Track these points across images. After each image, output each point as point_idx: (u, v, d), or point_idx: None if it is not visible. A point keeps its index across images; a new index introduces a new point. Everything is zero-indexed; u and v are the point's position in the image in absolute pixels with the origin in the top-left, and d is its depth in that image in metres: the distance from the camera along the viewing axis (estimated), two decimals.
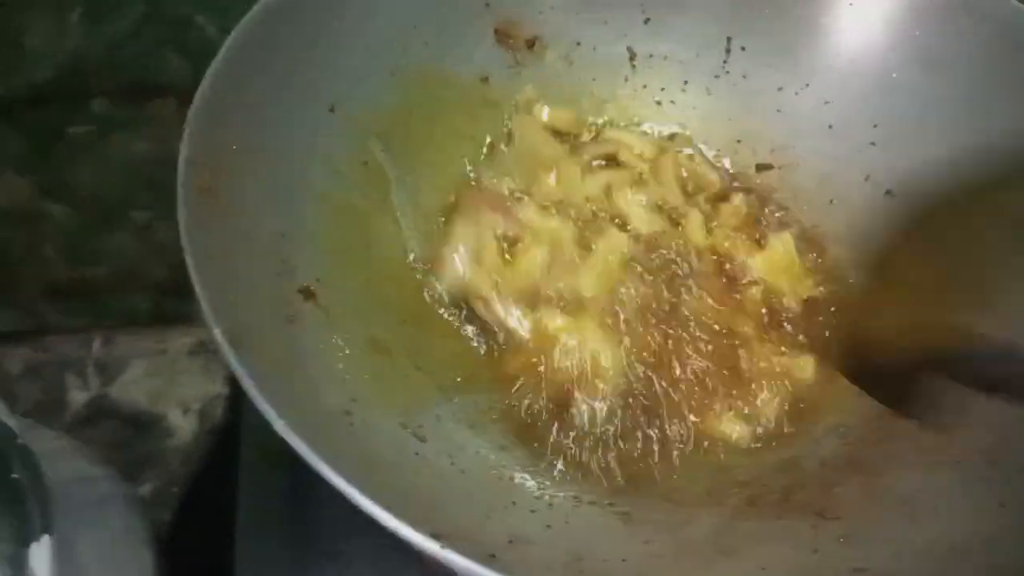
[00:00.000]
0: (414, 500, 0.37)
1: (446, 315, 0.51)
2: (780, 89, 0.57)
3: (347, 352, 0.43)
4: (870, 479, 0.45)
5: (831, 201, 0.56)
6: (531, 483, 0.44)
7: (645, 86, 0.59)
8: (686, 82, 0.59)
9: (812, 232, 0.56)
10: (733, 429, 0.48)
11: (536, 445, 0.46)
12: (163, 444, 0.74)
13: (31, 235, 0.71)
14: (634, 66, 0.59)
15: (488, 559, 0.34)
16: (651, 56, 0.58)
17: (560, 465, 0.46)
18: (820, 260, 0.56)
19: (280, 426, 0.31)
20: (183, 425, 0.75)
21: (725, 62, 0.58)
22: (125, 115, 0.65)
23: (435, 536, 0.30)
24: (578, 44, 0.58)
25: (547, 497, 0.43)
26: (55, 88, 0.62)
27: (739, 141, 0.59)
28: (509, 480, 0.43)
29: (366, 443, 0.38)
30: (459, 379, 0.48)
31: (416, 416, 0.44)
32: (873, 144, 0.55)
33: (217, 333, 0.33)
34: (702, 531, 0.41)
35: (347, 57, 0.49)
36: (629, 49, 0.58)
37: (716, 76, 0.58)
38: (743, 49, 0.57)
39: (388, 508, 0.30)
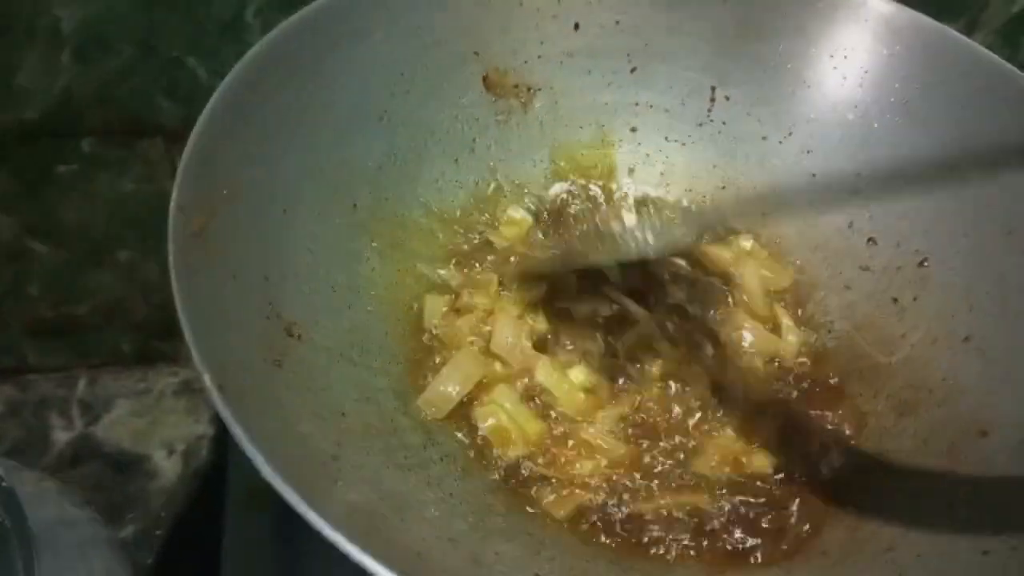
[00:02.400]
0: (402, 547, 0.36)
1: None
2: (764, 138, 0.58)
3: (334, 395, 0.43)
4: (856, 524, 0.45)
5: (815, 248, 0.57)
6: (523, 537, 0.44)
7: (633, 130, 0.60)
8: (671, 129, 0.60)
9: (796, 279, 0.57)
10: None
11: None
12: (147, 485, 0.73)
13: (15, 274, 0.71)
14: (620, 114, 0.59)
15: None
16: (637, 104, 0.59)
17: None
18: (802, 310, 0.56)
19: (268, 473, 0.31)
20: (167, 466, 0.75)
21: (710, 111, 0.59)
22: (113, 154, 0.65)
23: None
24: (566, 93, 0.58)
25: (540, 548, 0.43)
26: (44, 126, 0.63)
27: (723, 188, 0.59)
28: (499, 527, 0.43)
29: (353, 488, 0.38)
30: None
31: (403, 460, 0.43)
32: (855, 192, 0.56)
33: (207, 378, 0.33)
34: None
35: (335, 103, 0.49)
36: (615, 97, 0.59)
37: (700, 124, 0.59)
38: (727, 98, 0.58)
39: (377, 558, 0.30)
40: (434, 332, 0.52)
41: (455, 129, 0.56)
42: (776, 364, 0.54)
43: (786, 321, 0.55)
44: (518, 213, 0.58)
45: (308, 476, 0.36)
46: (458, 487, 0.44)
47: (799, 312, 0.56)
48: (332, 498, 0.36)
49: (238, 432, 0.31)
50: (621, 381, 0.51)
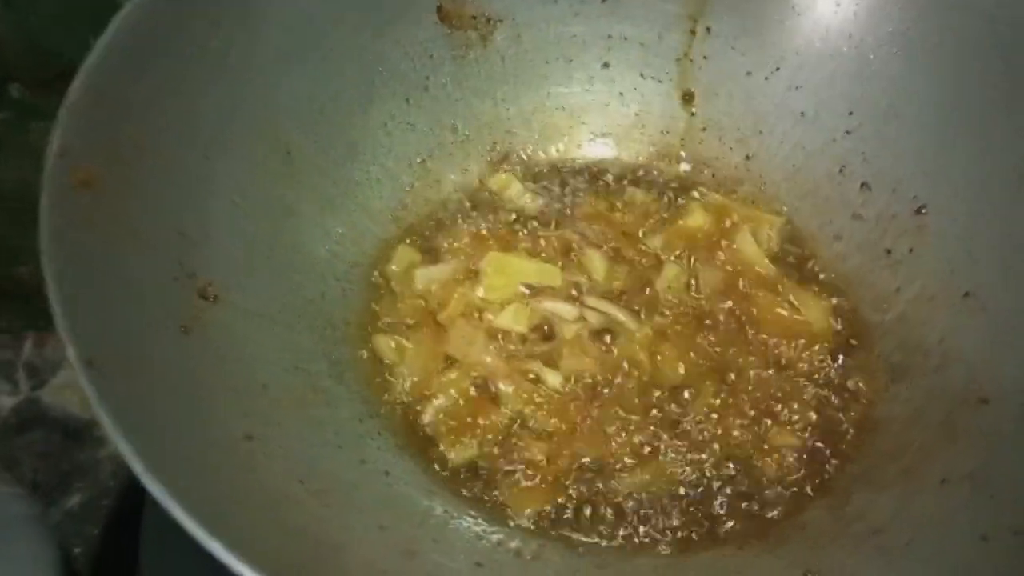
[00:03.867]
0: (318, 538, 0.32)
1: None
2: (749, 73, 0.53)
3: (255, 365, 0.38)
4: (840, 502, 0.41)
5: (803, 195, 0.52)
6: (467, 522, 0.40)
7: (605, 65, 0.55)
8: (647, 64, 0.54)
9: (783, 229, 0.52)
10: None
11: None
12: (96, 453, 0.70)
13: None
14: (591, 48, 0.54)
15: None
16: (609, 37, 0.54)
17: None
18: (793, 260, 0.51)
19: (139, 469, 0.26)
20: None
21: (690, 44, 0.53)
22: (45, 102, 0.60)
23: None
24: (530, 24, 0.53)
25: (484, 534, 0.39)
26: None
27: (704, 129, 0.54)
28: (438, 510, 0.39)
29: (267, 473, 0.34)
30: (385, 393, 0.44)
31: (333, 436, 0.39)
32: (848, 133, 0.51)
33: (71, 351, 0.28)
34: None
35: (265, 33, 0.44)
36: (585, 29, 0.54)
37: (679, 59, 0.54)
38: (708, 31, 0.53)
39: (259, 561, 0.25)
40: (394, 286, 0.48)
41: (406, 65, 0.51)
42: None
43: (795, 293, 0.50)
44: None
45: (208, 462, 0.31)
46: (396, 464, 0.40)
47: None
48: (235, 487, 0.31)
49: (103, 417, 0.27)
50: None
